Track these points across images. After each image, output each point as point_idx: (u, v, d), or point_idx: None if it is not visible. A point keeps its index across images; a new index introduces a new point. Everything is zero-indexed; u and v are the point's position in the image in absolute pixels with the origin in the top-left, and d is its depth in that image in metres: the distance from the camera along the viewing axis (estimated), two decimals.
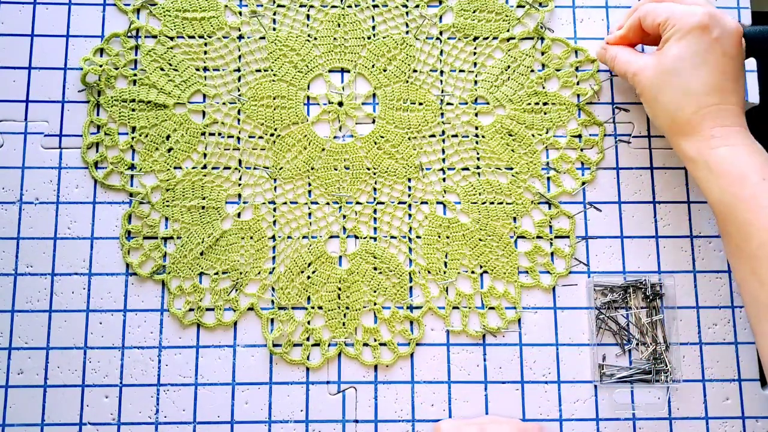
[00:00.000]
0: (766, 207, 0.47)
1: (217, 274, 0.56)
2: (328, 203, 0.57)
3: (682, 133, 0.51)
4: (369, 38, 0.60)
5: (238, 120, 0.58)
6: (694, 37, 0.49)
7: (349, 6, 0.60)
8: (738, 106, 0.50)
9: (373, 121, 0.59)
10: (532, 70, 0.59)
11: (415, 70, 0.59)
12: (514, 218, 0.57)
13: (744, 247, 0.47)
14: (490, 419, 0.53)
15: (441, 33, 0.60)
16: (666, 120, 0.52)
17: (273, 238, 0.56)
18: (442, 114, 0.59)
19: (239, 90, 0.58)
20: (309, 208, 0.57)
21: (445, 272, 0.56)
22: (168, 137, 0.57)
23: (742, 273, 0.48)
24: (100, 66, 0.57)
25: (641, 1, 0.55)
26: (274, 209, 0.57)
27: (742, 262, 0.48)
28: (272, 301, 0.55)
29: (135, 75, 0.58)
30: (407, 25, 0.60)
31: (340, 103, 0.59)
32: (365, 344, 0.55)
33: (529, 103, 0.59)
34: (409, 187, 0.58)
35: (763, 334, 0.47)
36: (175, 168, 0.57)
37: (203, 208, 0.56)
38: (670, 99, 0.50)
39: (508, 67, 0.59)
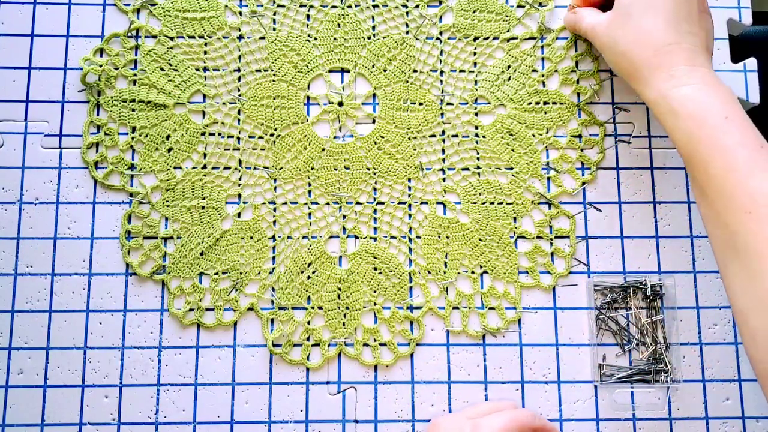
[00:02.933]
0: (726, 146, 0.45)
1: (217, 274, 0.56)
2: (328, 203, 0.57)
3: (643, 77, 0.50)
4: (369, 38, 0.60)
5: (238, 120, 0.58)
6: None
7: (349, 6, 0.60)
8: (698, 46, 0.49)
9: (373, 121, 0.58)
10: (534, 70, 0.59)
11: (415, 70, 0.59)
12: (514, 218, 0.57)
13: (706, 188, 0.46)
14: (486, 408, 0.52)
15: (441, 33, 0.60)
16: (626, 65, 0.51)
17: (273, 238, 0.56)
18: (442, 114, 0.59)
19: (239, 90, 0.58)
20: (309, 208, 0.57)
21: (445, 272, 0.56)
22: (168, 137, 0.57)
23: (707, 215, 0.47)
24: (100, 66, 0.57)
25: None
26: (274, 209, 0.57)
27: (706, 204, 0.47)
28: (272, 301, 0.55)
29: (135, 75, 0.58)
30: (407, 25, 0.60)
31: (340, 103, 0.59)
32: (365, 344, 0.55)
33: (530, 103, 0.59)
34: (409, 187, 0.58)
35: (727, 276, 0.46)
36: (175, 168, 0.57)
37: (203, 208, 0.56)
38: (626, 42, 0.51)
39: (509, 66, 0.59)
